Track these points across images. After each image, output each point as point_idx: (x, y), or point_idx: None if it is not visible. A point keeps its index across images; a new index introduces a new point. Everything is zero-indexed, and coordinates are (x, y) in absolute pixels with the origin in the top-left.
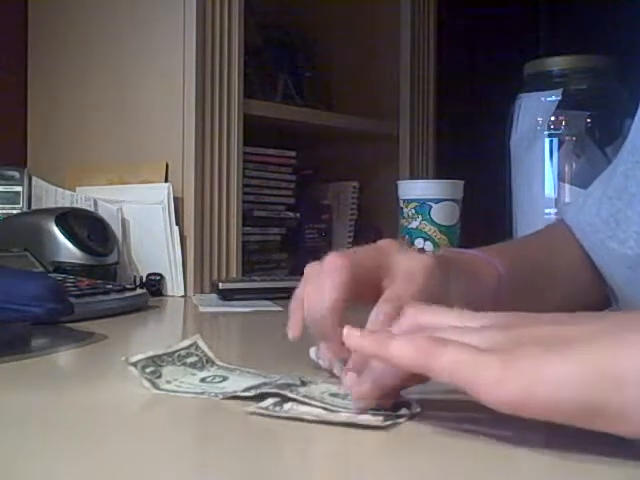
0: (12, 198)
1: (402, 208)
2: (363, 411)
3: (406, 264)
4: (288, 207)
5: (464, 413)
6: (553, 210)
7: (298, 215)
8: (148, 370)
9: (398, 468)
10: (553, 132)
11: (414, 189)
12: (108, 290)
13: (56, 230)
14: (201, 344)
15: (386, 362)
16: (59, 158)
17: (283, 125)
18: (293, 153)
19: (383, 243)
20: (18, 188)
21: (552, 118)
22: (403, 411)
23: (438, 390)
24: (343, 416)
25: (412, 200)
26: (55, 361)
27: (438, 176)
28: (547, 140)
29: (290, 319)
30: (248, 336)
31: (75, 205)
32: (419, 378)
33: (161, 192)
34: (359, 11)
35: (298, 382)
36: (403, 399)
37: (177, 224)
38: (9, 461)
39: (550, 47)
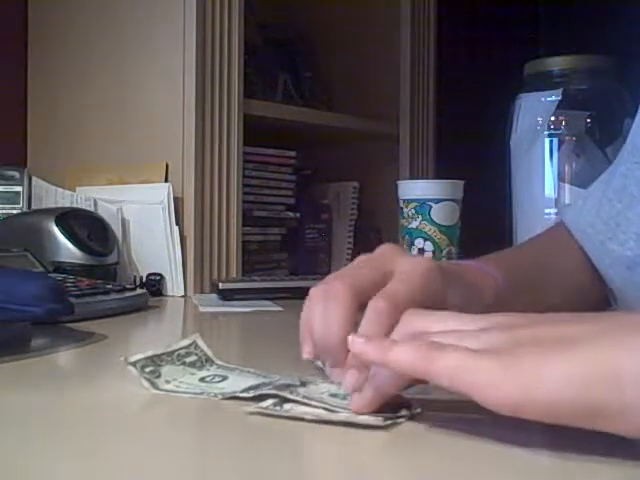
0: (12, 198)
1: (402, 208)
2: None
3: (407, 265)
4: (288, 207)
5: (464, 413)
6: (553, 210)
7: (298, 215)
8: (147, 370)
9: (398, 468)
10: (553, 132)
11: (414, 189)
12: (108, 290)
13: (56, 230)
14: (200, 343)
15: (387, 368)
16: (59, 158)
17: (283, 125)
18: (293, 153)
19: (385, 249)
20: (18, 188)
21: (552, 118)
22: (403, 411)
23: (438, 390)
24: (343, 416)
25: (412, 200)
26: (55, 361)
27: (438, 176)
28: (547, 140)
29: (303, 344)
30: (248, 336)
31: (75, 205)
32: (420, 381)
33: (161, 192)
34: (359, 11)
35: (298, 382)
36: (403, 399)
37: (177, 224)
38: (9, 461)
39: (550, 47)
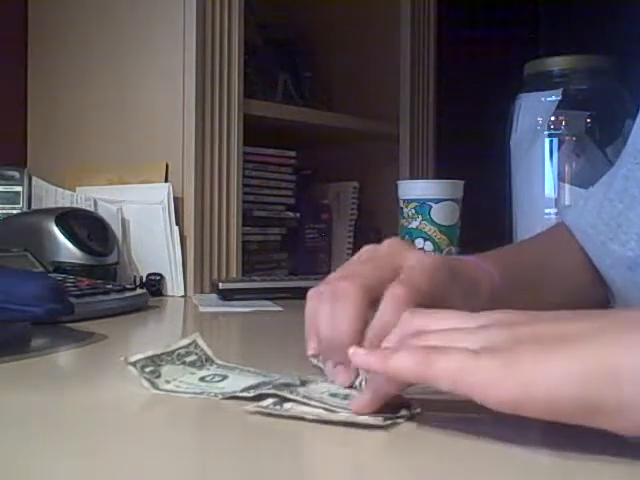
0: (12, 198)
1: (402, 208)
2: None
3: (415, 259)
4: (288, 207)
5: (464, 413)
6: (553, 210)
7: (298, 215)
8: (147, 370)
9: (398, 468)
10: (553, 132)
11: (414, 189)
12: (108, 290)
13: (56, 230)
14: (200, 342)
15: (389, 377)
16: (59, 158)
17: (283, 125)
18: (293, 153)
19: (392, 245)
20: (18, 188)
21: (552, 118)
22: (403, 411)
23: (438, 390)
24: (343, 416)
25: (412, 200)
26: (55, 361)
27: (438, 176)
28: (547, 140)
29: (308, 341)
30: (248, 336)
31: (75, 205)
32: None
33: (161, 192)
34: (359, 11)
35: (298, 382)
36: (403, 399)
37: (177, 224)
38: (9, 461)
39: (550, 47)
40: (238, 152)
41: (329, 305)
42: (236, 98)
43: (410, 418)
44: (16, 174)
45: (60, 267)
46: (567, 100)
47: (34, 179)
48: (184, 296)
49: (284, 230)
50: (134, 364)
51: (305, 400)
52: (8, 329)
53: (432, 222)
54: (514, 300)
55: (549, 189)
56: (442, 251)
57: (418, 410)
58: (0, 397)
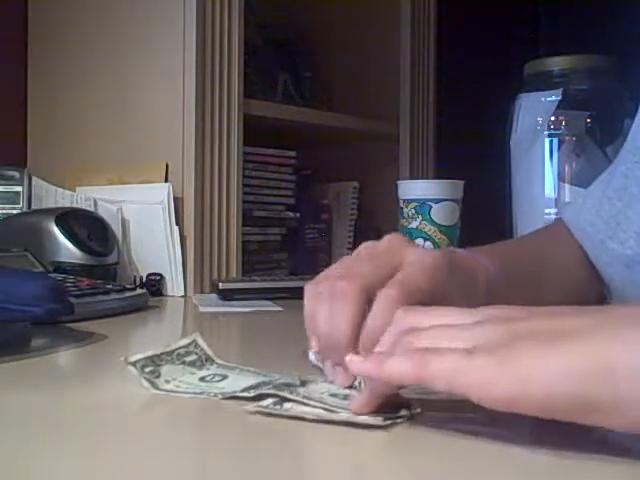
0: (12, 198)
1: (402, 208)
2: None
3: (415, 256)
4: (288, 207)
5: (464, 413)
6: (553, 210)
7: (298, 215)
8: (147, 370)
9: (398, 468)
10: (553, 132)
11: (414, 189)
12: (108, 290)
13: (56, 230)
14: (200, 342)
15: (385, 381)
16: (59, 158)
17: (283, 125)
18: (293, 153)
19: (392, 241)
20: (18, 188)
21: (552, 118)
22: (403, 411)
23: (437, 390)
24: (343, 416)
25: (412, 200)
26: (55, 361)
27: (438, 176)
28: (547, 140)
29: (310, 339)
30: (248, 336)
31: (75, 205)
32: None
33: (161, 192)
34: (359, 11)
35: (298, 382)
36: (403, 399)
37: (177, 224)
38: (9, 461)
39: (550, 47)
40: (238, 152)
41: (328, 305)
42: (236, 98)
43: (410, 418)
44: (16, 174)
45: (60, 267)
46: (567, 100)
47: (34, 179)
48: (184, 296)
49: (284, 230)
50: (134, 364)
51: (305, 400)
52: (8, 329)
53: (432, 222)
54: (512, 296)
55: (549, 189)
56: None
57: (418, 410)
58: (0, 397)
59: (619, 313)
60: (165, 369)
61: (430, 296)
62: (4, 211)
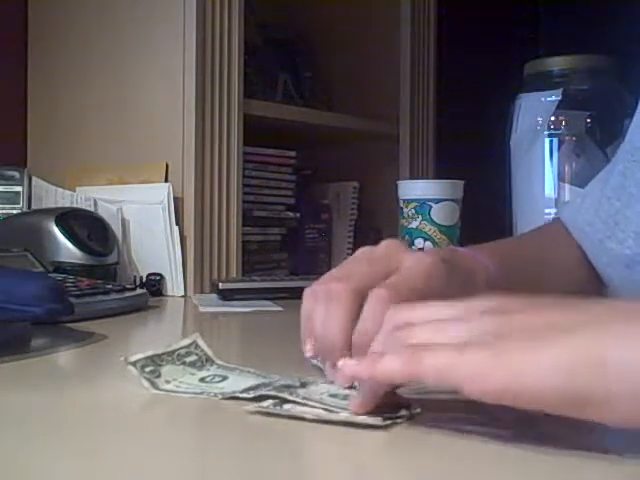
0: (12, 198)
1: (402, 208)
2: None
3: (412, 261)
4: (288, 207)
5: (464, 413)
6: (553, 210)
7: (298, 215)
8: (147, 370)
9: (398, 468)
10: (553, 132)
11: (414, 189)
12: (108, 290)
13: (56, 230)
14: (200, 342)
15: (379, 382)
16: (59, 158)
17: (283, 125)
18: (293, 153)
19: (389, 246)
20: (18, 188)
21: (552, 118)
22: (402, 411)
23: (438, 390)
24: (343, 416)
25: (412, 200)
26: (55, 361)
27: (438, 176)
28: (547, 140)
29: (304, 342)
30: (248, 336)
31: (75, 205)
32: None
33: (161, 192)
34: (359, 11)
35: (297, 383)
36: (403, 399)
37: (177, 224)
38: (9, 461)
39: (550, 47)
40: (238, 152)
41: (323, 306)
42: (236, 98)
43: (410, 418)
44: (16, 174)
45: (60, 267)
46: (567, 100)
47: (34, 179)
48: (184, 296)
49: (284, 230)
50: (134, 364)
51: (305, 401)
52: (8, 329)
53: (432, 222)
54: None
55: (549, 189)
56: None
57: (418, 410)
58: (0, 397)
59: (611, 308)
60: (165, 369)
61: (428, 296)
62: (4, 211)
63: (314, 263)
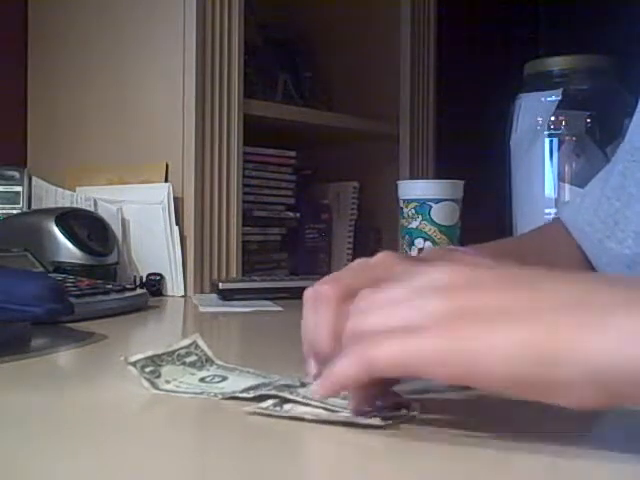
0: (12, 198)
1: (402, 208)
2: (363, 411)
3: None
4: (288, 207)
5: (464, 414)
6: (553, 210)
7: (298, 215)
8: (147, 370)
9: (398, 468)
10: (553, 132)
11: (414, 189)
12: (108, 290)
13: (56, 230)
14: (200, 343)
15: (343, 391)
16: (59, 158)
17: (283, 125)
18: (293, 153)
19: (385, 258)
20: (18, 188)
21: (552, 118)
22: (402, 411)
23: (437, 390)
24: (343, 416)
25: (412, 200)
26: (55, 361)
27: (438, 176)
28: (547, 140)
29: (307, 362)
30: (248, 336)
31: (75, 205)
32: None
33: (161, 192)
34: (359, 11)
35: (298, 383)
36: (402, 399)
37: (177, 224)
38: (9, 461)
39: (550, 47)
40: (238, 152)
41: (313, 311)
42: (236, 98)
43: (409, 418)
44: (16, 174)
45: (60, 267)
46: (567, 100)
47: (34, 179)
48: (184, 296)
49: (284, 230)
50: (134, 364)
51: (305, 400)
52: (8, 329)
53: (432, 222)
54: None
55: (549, 189)
56: None
57: (417, 410)
58: (0, 397)
59: (568, 292)
60: (165, 369)
61: None
62: (4, 211)
63: (314, 263)
